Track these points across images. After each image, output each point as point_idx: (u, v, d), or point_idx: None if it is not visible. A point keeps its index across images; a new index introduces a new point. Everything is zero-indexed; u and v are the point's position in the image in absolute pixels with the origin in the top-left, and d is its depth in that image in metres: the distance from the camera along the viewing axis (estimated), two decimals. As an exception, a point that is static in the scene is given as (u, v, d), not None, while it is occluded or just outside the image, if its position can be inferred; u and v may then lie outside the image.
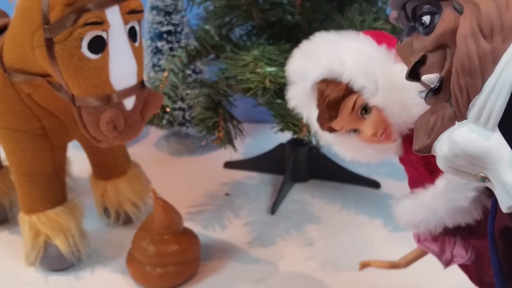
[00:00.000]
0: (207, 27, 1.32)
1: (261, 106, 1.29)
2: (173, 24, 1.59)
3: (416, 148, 0.51)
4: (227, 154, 1.30)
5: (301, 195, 1.47)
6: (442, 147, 0.49)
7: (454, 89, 0.47)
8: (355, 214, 1.37)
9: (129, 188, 1.29)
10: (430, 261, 1.12)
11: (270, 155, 1.59)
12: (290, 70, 0.85)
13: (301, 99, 0.83)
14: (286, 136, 1.40)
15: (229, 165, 1.62)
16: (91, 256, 1.21)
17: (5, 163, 1.29)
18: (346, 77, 0.76)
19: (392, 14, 0.55)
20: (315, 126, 0.84)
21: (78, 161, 1.44)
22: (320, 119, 0.80)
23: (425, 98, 0.51)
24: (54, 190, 1.15)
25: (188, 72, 1.54)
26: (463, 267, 0.87)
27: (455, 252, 0.80)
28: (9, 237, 1.30)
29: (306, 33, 1.29)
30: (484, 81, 0.45)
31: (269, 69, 1.11)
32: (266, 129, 1.45)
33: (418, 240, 0.84)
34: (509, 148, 0.46)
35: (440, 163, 0.49)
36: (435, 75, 0.49)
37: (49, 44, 0.91)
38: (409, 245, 1.20)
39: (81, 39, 0.89)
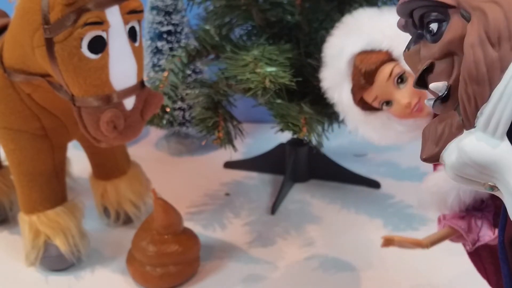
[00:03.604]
0: (207, 27, 1.32)
1: (261, 106, 1.29)
2: (173, 24, 1.59)
3: (423, 157, 0.51)
4: (227, 154, 1.30)
5: (301, 195, 1.47)
6: (450, 156, 0.48)
7: (461, 97, 0.47)
8: (355, 214, 1.37)
9: (129, 188, 1.29)
10: (431, 260, 1.12)
11: (270, 155, 1.59)
12: (326, 49, 0.87)
13: (334, 79, 0.85)
14: (286, 136, 1.40)
15: (229, 165, 1.62)
16: (91, 256, 1.21)
17: (5, 163, 1.29)
18: (386, 44, 0.79)
19: (400, 21, 0.55)
20: (345, 106, 0.85)
21: (78, 161, 1.44)
22: (354, 89, 0.81)
23: (433, 106, 0.51)
24: (54, 190, 1.15)
25: (188, 72, 1.54)
26: (482, 270, 0.86)
27: (481, 233, 0.78)
28: (9, 237, 1.30)
29: (306, 33, 1.30)
30: (492, 89, 0.45)
31: (269, 69, 1.11)
32: (266, 129, 1.45)
33: (444, 218, 0.82)
34: None
35: (448, 172, 0.49)
36: (442, 83, 0.49)
37: (49, 44, 0.91)
38: (409, 245, 1.19)
39: (81, 39, 0.89)
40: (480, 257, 0.84)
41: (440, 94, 0.49)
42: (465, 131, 0.48)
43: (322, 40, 1.22)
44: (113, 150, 1.25)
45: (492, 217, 0.79)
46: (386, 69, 0.78)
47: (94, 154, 1.28)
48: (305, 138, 1.14)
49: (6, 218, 1.34)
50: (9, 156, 1.14)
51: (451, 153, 0.48)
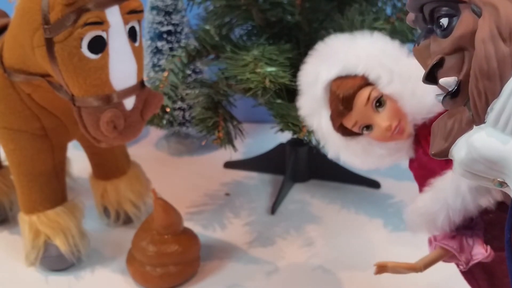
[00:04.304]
0: (207, 27, 1.32)
1: (261, 106, 1.29)
2: (173, 24, 1.59)
3: (433, 152, 0.50)
4: (227, 154, 1.30)
5: (301, 195, 1.47)
6: (460, 151, 0.47)
7: (472, 93, 0.47)
8: (355, 214, 1.37)
9: (129, 188, 1.29)
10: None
11: (270, 155, 1.58)
12: (301, 77, 0.87)
13: (312, 106, 0.84)
14: (286, 136, 1.40)
15: (229, 165, 1.62)
16: (91, 256, 1.21)
17: (5, 163, 1.29)
18: (361, 69, 0.78)
19: (409, 16, 0.54)
20: (325, 133, 0.84)
21: (78, 161, 1.44)
22: (333, 115, 0.81)
23: (443, 101, 0.50)
24: (54, 190, 1.15)
25: (188, 72, 1.53)
26: (475, 286, 0.86)
27: (474, 251, 0.78)
28: (9, 237, 1.30)
29: (306, 33, 1.30)
30: (502, 84, 0.44)
31: (269, 69, 1.11)
32: (266, 129, 1.45)
33: (435, 239, 0.81)
34: None
35: (457, 168, 0.48)
36: (452, 78, 0.49)
37: (49, 44, 0.91)
38: (409, 245, 1.20)
39: (81, 39, 0.89)
40: (473, 274, 0.84)
41: (450, 90, 0.49)
42: (475, 127, 0.47)
43: (322, 40, 1.23)
44: (113, 150, 1.25)
45: (483, 234, 0.79)
46: (364, 93, 0.78)
47: (94, 154, 1.28)
48: (305, 138, 1.14)
49: (6, 218, 1.34)
50: (9, 156, 1.14)
51: (461, 148, 0.47)
